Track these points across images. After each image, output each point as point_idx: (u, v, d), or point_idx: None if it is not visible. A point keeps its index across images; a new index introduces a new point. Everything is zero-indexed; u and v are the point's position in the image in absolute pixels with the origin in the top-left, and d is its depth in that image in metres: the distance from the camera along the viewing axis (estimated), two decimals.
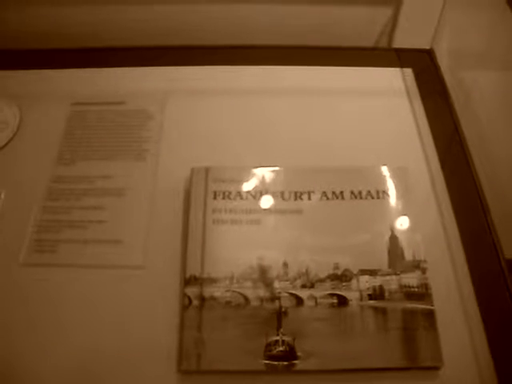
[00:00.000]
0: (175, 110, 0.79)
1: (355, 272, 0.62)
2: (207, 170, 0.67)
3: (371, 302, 0.61)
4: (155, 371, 0.58)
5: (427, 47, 0.85)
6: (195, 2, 0.84)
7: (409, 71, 0.83)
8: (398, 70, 0.83)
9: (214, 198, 0.65)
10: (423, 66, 0.83)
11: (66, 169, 0.73)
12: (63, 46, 0.88)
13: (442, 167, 0.73)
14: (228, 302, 0.61)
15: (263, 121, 0.78)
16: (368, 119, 0.78)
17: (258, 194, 0.65)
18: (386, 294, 0.61)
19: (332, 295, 0.61)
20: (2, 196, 0.70)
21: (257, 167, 0.69)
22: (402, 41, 0.85)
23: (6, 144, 0.76)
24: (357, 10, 0.85)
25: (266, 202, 0.65)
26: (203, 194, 0.65)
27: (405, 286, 0.61)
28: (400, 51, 0.85)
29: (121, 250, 0.66)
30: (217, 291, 0.61)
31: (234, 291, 0.61)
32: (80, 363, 0.59)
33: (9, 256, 0.66)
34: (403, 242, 0.63)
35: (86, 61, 0.86)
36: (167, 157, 0.74)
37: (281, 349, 0.58)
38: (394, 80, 0.82)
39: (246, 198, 0.65)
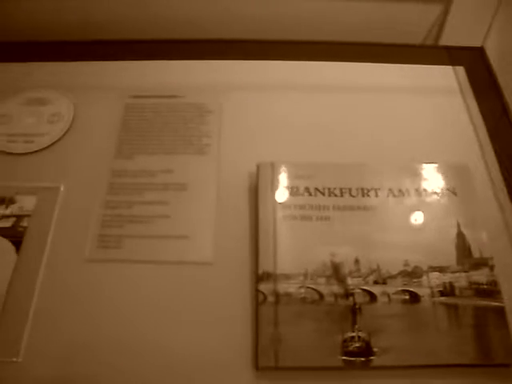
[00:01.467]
0: (233, 105, 0.80)
1: (425, 269, 0.63)
2: (273, 166, 0.67)
3: (442, 298, 0.62)
4: (230, 368, 0.59)
5: (478, 45, 0.85)
6: None
7: (460, 69, 0.83)
8: (448, 67, 0.84)
9: (283, 193, 0.65)
10: (474, 64, 0.83)
11: (126, 162, 0.73)
12: (117, 38, 0.88)
13: (500, 164, 0.74)
14: (303, 299, 0.61)
15: (320, 116, 0.79)
16: (422, 117, 0.80)
17: (325, 190, 0.66)
18: (457, 291, 0.62)
19: (404, 291, 0.62)
20: (62, 189, 0.69)
21: (322, 163, 0.70)
22: (450, 38, 0.86)
23: (62, 136, 0.75)
24: (405, 7, 0.85)
25: (334, 198, 0.66)
26: (271, 189, 0.66)
27: (474, 283, 0.62)
28: (451, 49, 0.85)
29: (188, 246, 0.66)
30: (291, 287, 0.62)
31: (308, 287, 0.62)
32: (151, 361, 0.60)
33: (73, 251, 0.67)
34: (470, 239, 0.65)
35: (141, 53, 0.87)
36: (228, 151, 0.75)
37: (357, 345, 0.59)
38: (445, 78, 0.83)
39: (315, 194, 0.66)
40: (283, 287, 0.62)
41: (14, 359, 0.60)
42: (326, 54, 0.85)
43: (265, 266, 0.62)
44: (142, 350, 0.60)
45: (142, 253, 0.66)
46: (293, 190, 0.66)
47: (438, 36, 0.88)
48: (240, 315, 0.62)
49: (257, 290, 0.62)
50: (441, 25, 0.86)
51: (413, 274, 0.63)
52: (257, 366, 0.58)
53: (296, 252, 0.63)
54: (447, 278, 0.63)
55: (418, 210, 0.67)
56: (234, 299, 0.63)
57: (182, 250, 0.66)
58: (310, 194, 0.66)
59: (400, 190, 0.67)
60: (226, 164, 0.73)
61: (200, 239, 0.66)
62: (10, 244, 0.66)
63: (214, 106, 0.77)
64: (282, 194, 0.66)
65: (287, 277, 0.62)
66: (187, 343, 0.60)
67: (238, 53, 0.85)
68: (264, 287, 0.61)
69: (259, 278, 0.62)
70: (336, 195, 0.66)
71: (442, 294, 0.62)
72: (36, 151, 0.76)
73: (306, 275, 0.62)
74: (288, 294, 0.61)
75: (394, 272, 0.63)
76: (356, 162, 0.71)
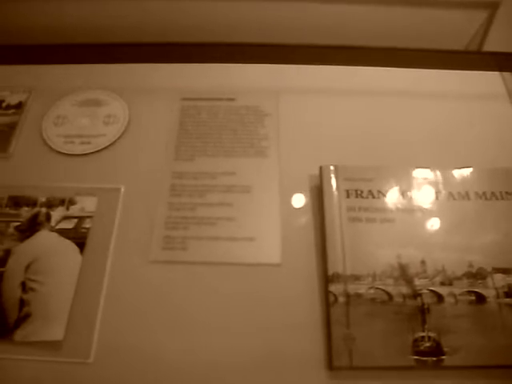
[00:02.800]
0: (288, 108, 0.82)
1: (489, 270, 0.65)
2: (336, 169, 0.69)
3: (508, 299, 0.64)
4: (304, 368, 0.61)
5: None
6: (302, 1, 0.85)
7: (507, 75, 0.85)
8: (495, 73, 0.85)
9: (347, 196, 0.68)
10: None
11: (186, 164, 0.75)
12: (170, 41, 0.89)
13: None
14: (373, 299, 0.63)
15: (372, 121, 0.82)
16: (471, 121, 0.82)
17: (388, 193, 0.68)
18: None
19: (470, 292, 0.64)
20: (122, 190, 0.70)
21: (383, 166, 0.72)
22: (494, 44, 0.88)
23: (119, 137, 0.76)
24: (449, 13, 0.88)
25: (397, 200, 0.68)
26: (335, 192, 0.68)
27: None
28: (498, 54, 0.88)
29: (255, 248, 0.68)
30: (361, 288, 0.63)
31: (377, 288, 0.63)
32: (219, 362, 0.61)
33: (137, 252, 0.69)
34: None
35: (194, 56, 0.88)
36: (287, 154, 0.77)
37: (428, 344, 0.61)
38: (493, 83, 0.85)
39: (378, 197, 0.68)
40: (353, 288, 0.63)
41: (86, 360, 0.61)
42: (377, 60, 0.87)
43: (334, 267, 0.64)
44: (211, 351, 0.62)
45: (207, 254, 0.67)
46: (357, 193, 0.68)
47: (482, 42, 0.89)
48: (310, 316, 0.64)
49: (327, 291, 0.63)
50: (485, 31, 0.87)
51: (477, 275, 0.65)
52: (330, 366, 0.60)
53: (363, 253, 0.65)
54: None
55: (479, 214, 0.69)
56: (302, 300, 0.65)
57: (250, 252, 0.67)
58: (374, 197, 0.67)
59: (460, 194, 0.68)
60: (286, 166, 0.75)
61: (267, 241, 0.68)
62: (74, 245, 0.66)
63: (270, 109, 0.79)
64: (346, 197, 0.67)
65: (356, 278, 0.63)
66: (258, 344, 0.62)
67: (293, 57, 0.87)
68: (334, 288, 0.63)
69: (329, 279, 0.64)
70: (399, 198, 0.67)
71: (507, 295, 0.64)
72: (93, 152, 0.76)
73: (374, 276, 0.63)
74: (358, 295, 0.63)
75: (459, 273, 0.65)
76: (414, 165, 0.73)
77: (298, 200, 0.72)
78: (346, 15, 0.87)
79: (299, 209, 0.71)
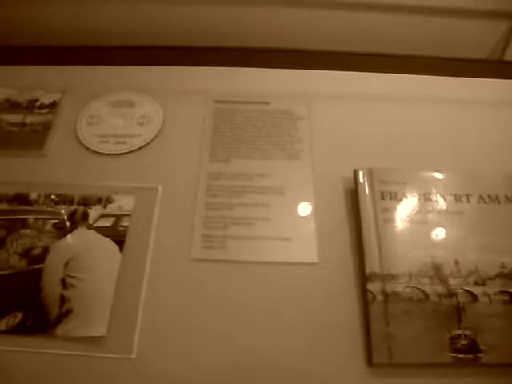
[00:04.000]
0: (320, 112, 0.84)
1: None
2: (371, 172, 0.72)
3: None
4: (343, 365, 0.63)
5: None
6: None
7: None
8: None
9: (382, 198, 0.70)
10: None
11: (222, 165, 0.77)
12: (204, 45, 0.91)
13: None
14: (410, 298, 0.65)
15: (402, 125, 0.85)
16: (495, 127, 0.85)
17: (421, 195, 0.71)
18: None
19: (503, 293, 0.66)
20: (160, 190, 0.72)
21: (416, 170, 0.75)
22: None
23: (154, 138, 0.78)
24: (473, 23, 0.91)
25: (429, 203, 0.71)
26: (370, 194, 0.70)
27: None
28: None
29: (292, 248, 0.70)
30: (398, 287, 0.66)
31: (413, 287, 0.66)
32: (258, 359, 0.63)
33: (176, 250, 0.71)
34: None
35: (227, 60, 0.91)
36: (320, 157, 0.79)
37: (464, 342, 0.63)
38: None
39: (411, 200, 0.70)
40: (391, 287, 0.65)
41: (128, 356, 0.62)
42: (404, 67, 0.91)
43: (371, 266, 0.66)
44: (250, 349, 0.64)
45: (246, 253, 0.69)
46: (391, 195, 0.70)
47: (504, 51, 0.92)
48: (348, 313, 0.66)
49: (366, 290, 0.65)
50: (507, 40, 0.91)
51: (510, 275, 0.67)
52: (370, 363, 0.62)
53: (399, 254, 0.67)
54: None
55: (509, 216, 0.71)
56: (340, 298, 0.67)
57: (287, 251, 0.69)
58: (407, 199, 0.70)
59: (490, 197, 0.71)
60: (319, 169, 0.77)
61: (303, 241, 0.70)
62: (113, 243, 0.68)
63: (303, 113, 0.82)
64: (381, 199, 0.70)
65: (393, 277, 0.65)
66: (296, 342, 0.64)
67: (325, 63, 0.90)
68: (372, 287, 0.65)
69: (367, 277, 0.66)
70: (431, 200, 0.70)
71: None
72: (129, 152, 0.78)
73: (410, 275, 0.65)
74: (396, 293, 0.65)
75: (492, 274, 0.67)
76: (445, 169, 0.75)
77: (331, 201, 0.74)
78: (375, 23, 0.89)
79: (332, 210, 0.74)
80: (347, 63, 0.90)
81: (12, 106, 0.84)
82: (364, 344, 0.63)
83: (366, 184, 0.71)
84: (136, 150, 0.78)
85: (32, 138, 0.80)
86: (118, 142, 0.78)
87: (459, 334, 0.63)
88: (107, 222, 0.70)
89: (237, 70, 0.89)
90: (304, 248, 0.69)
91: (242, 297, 0.66)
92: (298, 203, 0.73)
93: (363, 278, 0.66)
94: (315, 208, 0.73)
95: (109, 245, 0.68)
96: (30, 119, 0.82)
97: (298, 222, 0.71)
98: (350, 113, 0.84)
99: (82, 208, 0.71)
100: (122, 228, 0.69)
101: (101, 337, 0.63)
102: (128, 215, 0.71)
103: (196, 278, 0.68)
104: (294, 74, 0.89)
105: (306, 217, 0.72)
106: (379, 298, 0.64)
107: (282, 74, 0.89)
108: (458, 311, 0.64)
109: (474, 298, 0.66)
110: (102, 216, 0.71)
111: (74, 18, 0.91)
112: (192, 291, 0.67)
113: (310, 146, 0.78)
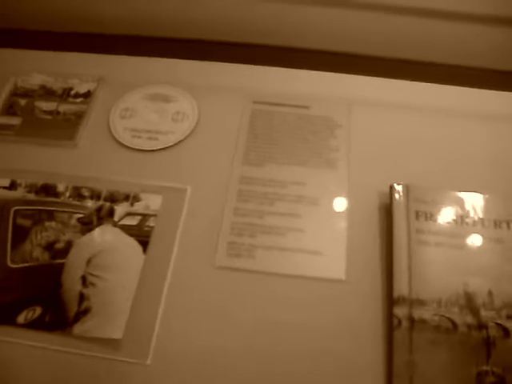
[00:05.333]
0: (360, 120, 0.81)
1: None
2: (407, 188, 0.69)
3: None
4: None
5: None
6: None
7: None
8: None
9: (417, 218, 0.67)
10: None
11: (255, 170, 0.75)
12: (244, 41, 0.89)
13: None
14: (437, 326, 0.63)
15: (445, 140, 0.81)
16: None
17: (458, 218, 0.67)
18: None
19: None
20: (189, 191, 0.70)
21: (455, 190, 0.72)
22: None
23: (187, 136, 0.77)
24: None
25: (467, 227, 0.67)
26: (405, 212, 0.67)
27: None
28: None
29: (321, 262, 0.68)
30: (425, 314, 0.63)
31: (442, 315, 0.63)
32: (280, 373, 0.62)
33: (201, 256, 0.69)
34: None
35: (267, 58, 0.88)
36: (357, 168, 0.76)
37: (492, 379, 0.60)
38: None
39: (448, 222, 0.67)
40: (418, 313, 0.63)
41: (143, 361, 0.61)
42: (448, 78, 0.86)
43: (400, 290, 0.64)
44: (271, 363, 0.62)
45: (274, 265, 0.68)
46: (427, 216, 0.67)
47: None
48: (371, 336, 0.64)
49: (392, 314, 0.63)
50: None
51: None
52: None
53: (430, 278, 0.65)
54: None
55: None
56: (365, 319, 0.65)
57: (315, 266, 0.68)
58: (444, 221, 0.66)
59: None
60: (355, 181, 0.75)
61: (333, 256, 0.68)
62: (137, 243, 0.66)
63: (342, 121, 0.79)
64: (416, 219, 0.67)
65: (422, 303, 0.63)
66: (315, 360, 0.62)
67: (368, 68, 0.86)
68: (399, 311, 0.63)
69: (394, 301, 0.63)
70: (468, 224, 0.66)
71: None
72: (161, 149, 0.76)
73: (439, 302, 0.63)
74: (423, 321, 0.63)
75: None
76: (486, 191, 0.72)
77: (365, 216, 0.71)
78: (425, 29, 0.86)
79: (365, 225, 0.71)
80: (393, 70, 0.87)
81: (47, 93, 0.83)
82: (386, 370, 0.62)
83: (402, 201, 0.68)
84: (168, 147, 0.75)
85: (64, 128, 0.79)
86: (151, 138, 0.76)
87: (487, 371, 0.60)
88: (133, 221, 0.69)
89: (277, 70, 0.86)
90: (333, 264, 0.68)
91: (265, 309, 0.65)
92: (332, 215, 0.71)
93: (390, 300, 0.64)
94: (348, 222, 0.71)
95: (133, 245, 0.67)
96: (63, 108, 0.80)
97: (329, 235, 0.69)
98: (391, 123, 0.81)
99: (108, 204, 0.69)
100: (147, 228, 0.68)
101: (117, 339, 0.62)
102: (154, 215, 0.69)
103: (219, 286, 0.67)
104: (335, 78, 0.86)
105: (338, 231, 0.70)
106: (405, 323, 0.62)
107: (323, 77, 0.86)
108: (488, 346, 0.62)
109: (506, 333, 0.63)
110: (128, 214, 0.69)
111: (116, 4, 0.88)
112: (214, 300, 0.66)
113: (347, 155, 0.76)
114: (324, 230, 0.70)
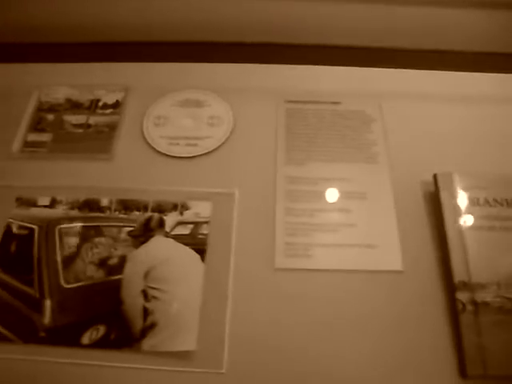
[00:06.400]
0: (392, 113, 0.82)
1: None
2: (451, 176, 0.69)
3: None
4: (435, 376, 0.62)
5: None
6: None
7: None
8: None
9: (465, 204, 0.68)
10: None
11: (299, 169, 0.75)
12: (271, 41, 0.89)
13: None
14: (500, 307, 0.64)
15: (477, 126, 0.82)
16: None
17: (503, 201, 0.68)
18: None
19: None
20: (237, 194, 0.69)
21: (496, 174, 0.73)
22: None
23: (226, 140, 0.76)
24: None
25: None
26: (452, 199, 0.69)
27: None
28: None
29: (377, 255, 0.68)
30: (487, 296, 0.64)
31: (503, 297, 0.64)
32: (349, 370, 0.62)
33: (259, 259, 0.69)
34: None
35: (295, 57, 0.88)
36: (397, 160, 0.77)
37: None
38: None
39: (494, 206, 0.68)
40: (480, 296, 0.64)
41: (218, 370, 0.61)
42: (478, 65, 0.88)
43: (460, 275, 0.65)
44: (339, 360, 0.62)
45: (331, 262, 0.68)
46: (473, 201, 0.68)
47: None
48: (436, 323, 0.65)
49: (455, 299, 0.64)
50: None
51: None
52: (464, 375, 0.61)
53: (486, 262, 0.66)
54: None
55: None
56: (427, 307, 0.66)
57: (372, 259, 0.68)
58: (490, 205, 0.68)
59: None
60: (397, 172, 0.75)
61: (388, 248, 0.68)
62: (194, 252, 0.65)
63: (375, 114, 0.80)
64: (464, 205, 0.68)
65: (482, 286, 0.64)
66: (384, 352, 0.63)
67: (396, 61, 0.87)
68: (462, 296, 0.64)
69: (455, 287, 0.64)
70: None
71: None
72: (201, 155, 0.75)
73: (498, 285, 0.64)
74: (485, 303, 0.64)
75: None
76: None
77: (412, 206, 0.72)
78: (448, 19, 0.86)
79: (413, 215, 0.72)
80: (419, 61, 0.88)
81: (74, 106, 0.81)
82: (455, 355, 0.62)
83: (448, 189, 0.69)
84: (208, 152, 0.73)
85: (98, 140, 0.76)
86: (189, 145, 0.75)
87: None
88: (185, 230, 0.68)
89: (305, 68, 0.86)
90: (389, 255, 0.68)
91: (328, 306, 0.65)
92: (380, 208, 0.72)
93: (451, 286, 0.65)
94: (396, 213, 0.71)
95: (190, 254, 0.66)
96: (93, 120, 0.78)
97: (381, 228, 0.70)
98: (422, 113, 0.82)
99: (157, 215, 0.68)
100: (201, 236, 0.67)
101: (190, 351, 0.60)
102: (206, 222, 0.67)
103: (281, 287, 0.66)
104: (363, 72, 0.86)
105: (388, 223, 0.70)
106: (469, 307, 0.63)
107: (350, 72, 0.86)
108: None
109: None
110: (180, 223, 0.67)
111: (137, 12, 0.86)
112: (278, 301, 0.65)
113: (385, 148, 0.77)
114: (375, 223, 0.70)
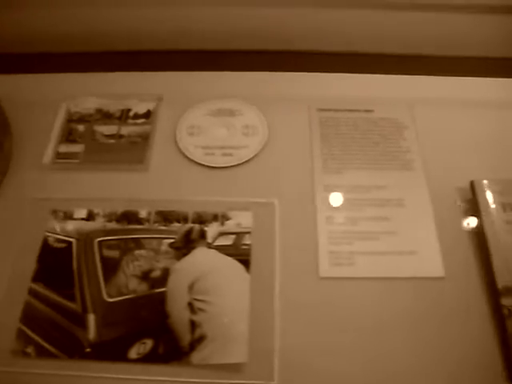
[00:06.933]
0: (425, 120, 0.83)
1: None
2: (488, 183, 0.70)
3: None
4: (481, 382, 0.62)
5: None
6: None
7: None
8: None
9: (504, 210, 0.69)
10: None
11: (336, 177, 0.75)
12: (301, 49, 0.90)
13: None
14: None
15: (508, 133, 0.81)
16: None
17: None
18: None
19: None
20: (276, 204, 0.69)
21: None
22: None
23: (262, 149, 0.76)
24: None
25: None
26: (491, 206, 0.69)
27: None
28: None
29: (419, 262, 0.69)
30: None
31: None
32: (394, 376, 0.62)
33: (304, 268, 0.69)
34: None
35: (326, 65, 0.87)
36: (432, 167, 0.77)
37: None
38: None
39: None
40: None
41: (270, 381, 0.60)
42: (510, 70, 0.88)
43: (503, 280, 0.66)
44: (387, 368, 0.62)
45: (374, 269, 0.68)
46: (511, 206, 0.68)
47: None
48: (481, 329, 0.65)
49: (500, 305, 0.64)
50: None
51: None
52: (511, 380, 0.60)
53: None
54: None
55: None
56: (471, 313, 0.66)
57: (414, 266, 0.68)
58: None
59: None
60: (433, 179, 0.76)
61: (429, 254, 0.69)
62: (238, 263, 0.65)
63: (408, 122, 0.80)
64: (503, 211, 0.68)
65: None
66: (430, 358, 0.63)
67: (426, 68, 0.88)
68: (507, 302, 0.65)
69: (499, 292, 0.65)
70: None
71: None
72: (237, 165, 0.75)
73: None
74: None
75: None
76: None
77: (449, 213, 0.73)
78: (480, 25, 0.87)
79: (451, 222, 0.72)
80: (447, 67, 0.89)
81: (104, 116, 0.79)
82: (501, 361, 0.62)
83: (486, 196, 0.69)
84: (245, 162, 0.73)
85: (131, 151, 0.75)
86: (225, 154, 0.74)
87: None
88: (227, 241, 0.67)
89: (336, 75, 0.86)
90: (430, 262, 0.68)
91: (373, 314, 0.65)
92: (418, 215, 0.72)
93: (495, 292, 0.65)
94: (435, 220, 0.72)
95: (234, 265, 0.66)
96: (125, 130, 0.77)
97: (420, 234, 0.70)
98: (453, 120, 0.83)
99: (198, 226, 0.67)
100: (244, 247, 0.67)
101: (240, 363, 0.59)
102: (248, 232, 0.67)
103: (327, 296, 0.66)
104: (394, 80, 0.87)
105: (427, 229, 0.71)
106: None
107: (381, 79, 0.86)
108: None
109: None
110: (222, 234, 0.66)
111: (164, 20, 0.86)
112: (324, 311, 0.65)
113: (419, 155, 0.77)
114: (414, 230, 0.71)
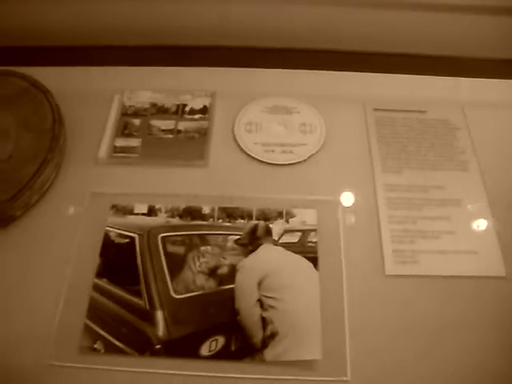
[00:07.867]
0: (477, 122, 0.83)
1: None
2: None
3: None
4: None
5: None
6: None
7: None
8: None
9: None
10: None
11: (395, 177, 0.75)
12: (356, 49, 0.90)
13: None
14: None
15: None
16: None
17: None
18: None
19: None
20: (341, 202, 0.70)
21: None
22: None
23: (321, 147, 0.77)
24: None
25: None
26: None
27: None
28: None
29: (479, 261, 0.70)
30: None
31: None
32: (457, 375, 0.62)
33: (369, 266, 0.69)
34: None
35: (380, 65, 0.88)
36: (487, 168, 0.78)
37: None
38: None
39: None
40: None
41: (343, 378, 0.61)
42: None
43: None
44: (451, 366, 0.63)
45: (437, 268, 0.69)
46: None
47: None
48: None
49: None
50: None
51: None
52: None
53: None
54: None
55: None
56: None
57: (474, 265, 0.69)
58: None
59: None
60: (489, 180, 0.77)
61: (489, 254, 0.70)
62: (306, 260, 0.65)
63: (460, 123, 0.82)
64: None
65: None
66: (492, 357, 0.64)
67: (475, 70, 0.89)
68: None
69: None
70: None
71: None
72: (297, 162, 0.75)
73: None
74: None
75: None
76: None
77: (510, 214, 0.74)
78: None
79: (510, 222, 0.72)
80: (497, 70, 0.89)
81: (159, 110, 0.78)
82: None
83: None
84: (304, 160, 0.73)
85: (190, 146, 0.74)
86: (285, 152, 0.74)
87: None
88: (293, 238, 0.67)
89: (391, 76, 0.87)
90: (491, 261, 0.69)
91: (438, 311, 0.66)
92: (477, 215, 0.73)
93: None
94: (493, 220, 0.73)
95: (302, 262, 0.66)
96: (182, 125, 0.76)
97: (480, 234, 0.71)
98: (507, 121, 0.84)
99: (263, 223, 0.67)
100: (310, 244, 0.67)
101: (314, 360, 0.60)
102: (314, 230, 0.66)
103: (392, 294, 0.67)
104: (446, 81, 0.88)
105: (486, 229, 0.72)
106: None
107: (434, 80, 0.88)
108: None
109: None
110: (287, 231, 0.66)
111: (216, 17, 0.85)
112: (391, 308, 0.66)
113: (474, 156, 0.78)
114: (473, 229, 0.72)
